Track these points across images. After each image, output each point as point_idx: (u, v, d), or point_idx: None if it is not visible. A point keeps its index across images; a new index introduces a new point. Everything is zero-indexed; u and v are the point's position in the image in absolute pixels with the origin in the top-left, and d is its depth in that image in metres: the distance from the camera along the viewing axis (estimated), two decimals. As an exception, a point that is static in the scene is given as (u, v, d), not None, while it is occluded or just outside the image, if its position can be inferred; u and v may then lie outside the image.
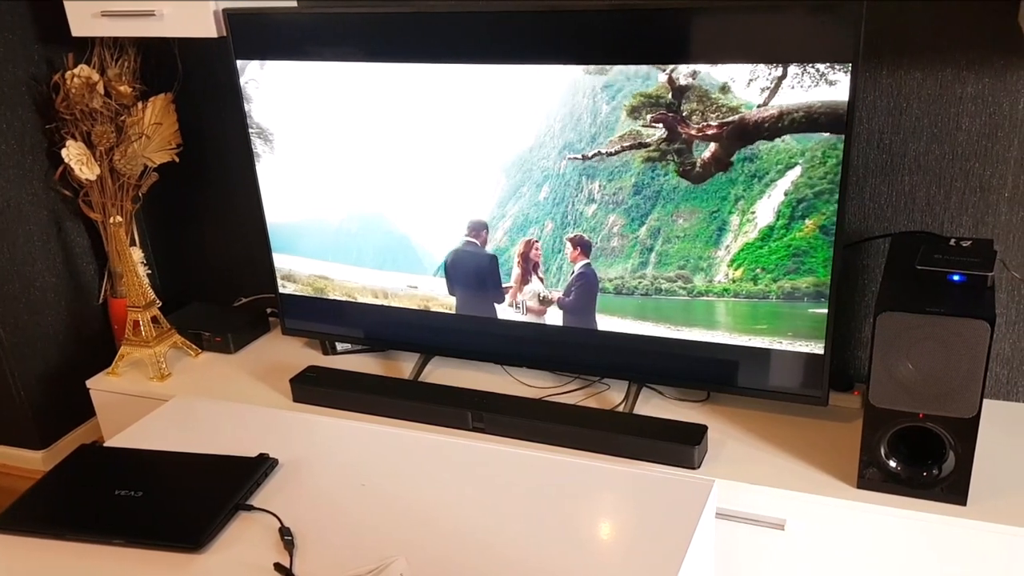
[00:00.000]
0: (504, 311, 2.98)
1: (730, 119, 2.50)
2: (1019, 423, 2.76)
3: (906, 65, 2.66)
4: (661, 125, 2.57)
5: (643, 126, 2.58)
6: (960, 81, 2.63)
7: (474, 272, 2.98)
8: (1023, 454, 2.60)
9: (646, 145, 2.60)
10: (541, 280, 2.89)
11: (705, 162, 2.56)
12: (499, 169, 2.80)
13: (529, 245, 2.88)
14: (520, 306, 2.95)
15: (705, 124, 2.52)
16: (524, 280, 2.93)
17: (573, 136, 2.66)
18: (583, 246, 2.79)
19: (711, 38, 2.42)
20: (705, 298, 2.69)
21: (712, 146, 2.53)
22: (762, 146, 2.48)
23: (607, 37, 2.52)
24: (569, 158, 2.70)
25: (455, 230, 2.96)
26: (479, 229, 2.93)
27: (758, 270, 2.60)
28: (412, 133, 2.86)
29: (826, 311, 2.57)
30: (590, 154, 2.67)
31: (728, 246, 2.61)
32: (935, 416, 2.30)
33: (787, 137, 2.44)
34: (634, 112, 2.58)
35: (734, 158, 2.52)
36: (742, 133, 2.50)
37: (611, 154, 2.64)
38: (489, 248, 2.92)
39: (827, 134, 2.39)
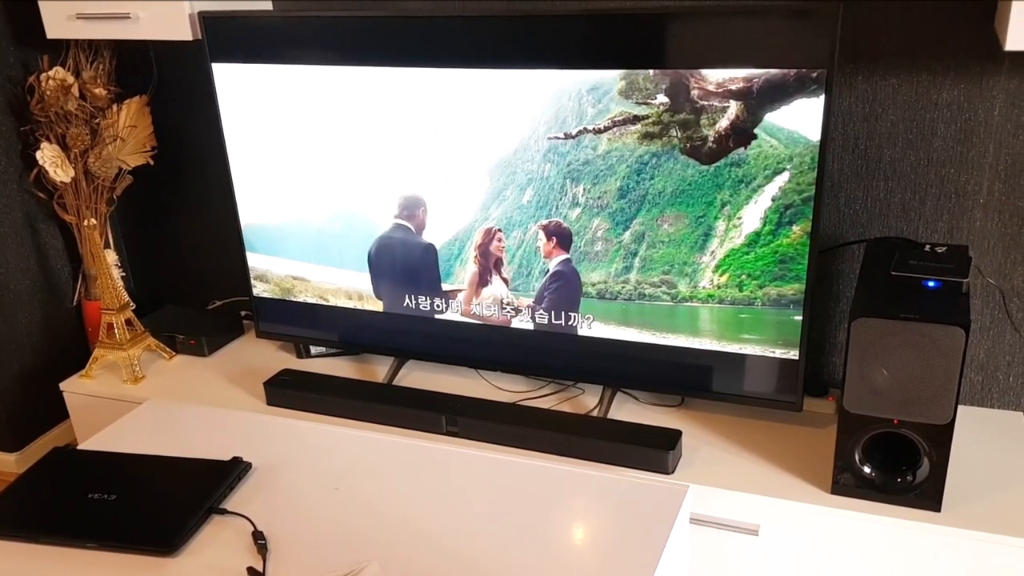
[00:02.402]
0: (451, 318, 2.97)
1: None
2: (994, 429, 2.77)
3: (882, 71, 2.66)
4: (665, 86, 2.48)
5: (638, 102, 2.54)
6: (936, 87, 2.63)
7: (403, 267, 2.96)
8: (997, 460, 2.61)
9: (643, 118, 2.55)
10: (505, 282, 2.86)
11: (721, 134, 2.49)
12: (482, 171, 2.78)
13: (489, 235, 2.81)
14: (479, 314, 2.94)
15: (729, 77, 2.44)
16: (482, 281, 2.89)
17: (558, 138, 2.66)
18: (560, 237, 2.76)
19: (687, 43, 2.42)
20: (689, 304, 2.68)
21: (734, 109, 2.45)
22: (783, 118, 2.43)
23: (583, 42, 2.52)
24: (551, 138, 2.66)
25: (388, 213, 2.95)
26: (413, 208, 2.89)
27: (743, 276, 2.59)
28: (386, 137, 2.85)
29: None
30: (574, 132, 2.63)
31: (714, 251, 2.61)
32: (910, 422, 2.30)
33: (778, 135, 2.43)
34: (629, 77, 2.53)
35: (760, 128, 2.45)
36: (779, 87, 2.42)
37: (599, 131, 2.59)
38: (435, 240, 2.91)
39: (815, 139, 2.39)
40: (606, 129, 2.58)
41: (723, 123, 2.46)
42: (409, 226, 2.88)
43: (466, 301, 2.91)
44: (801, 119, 2.39)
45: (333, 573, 2.07)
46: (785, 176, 2.45)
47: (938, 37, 2.59)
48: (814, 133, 2.39)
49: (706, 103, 2.46)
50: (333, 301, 3.16)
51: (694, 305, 2.67)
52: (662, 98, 2.49)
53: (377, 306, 3.08)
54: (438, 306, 2.97)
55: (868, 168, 2.77)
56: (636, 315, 2.75)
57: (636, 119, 2.54)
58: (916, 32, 2.60)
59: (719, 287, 2.63)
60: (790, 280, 2.54)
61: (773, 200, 2.49)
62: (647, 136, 2.54)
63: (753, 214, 2.52)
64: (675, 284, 2.67)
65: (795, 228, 2.49)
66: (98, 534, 2.20)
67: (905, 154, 2.73)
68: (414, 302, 3.00)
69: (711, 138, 2.49)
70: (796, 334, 2.59)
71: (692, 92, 2.46)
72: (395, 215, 2.91)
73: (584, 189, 2.67)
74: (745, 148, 2.47)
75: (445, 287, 2.96)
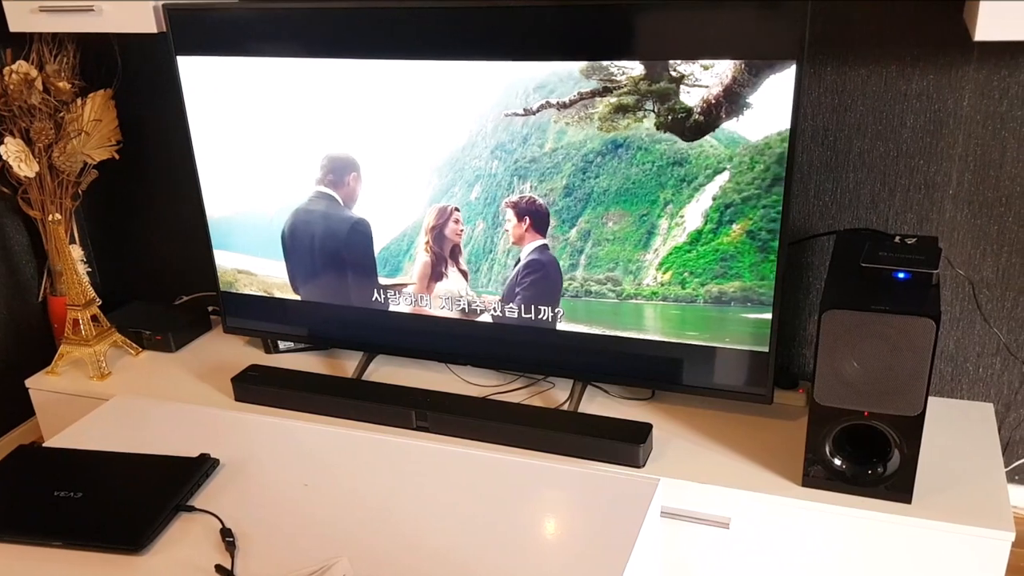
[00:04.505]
0: (421, 312, 2.95)
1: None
2: (963, 420, 2.77)
3: (851, 61, 2.66)
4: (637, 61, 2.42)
5: (600, 80, 2.49)
6: (905, 78, 2.63)
7: (323, 248, 2.93)
8: (967, 452, 2.61)
9: (615, 88, 2.49)
10: (464, 275, 2.83)
11: (710, 103, 2.42)
12: (441, 165, 2.76)
13: (444, 215, 2.71)
14: (430, 315, 2.91)
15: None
16: (435, 274, 2.84)
17: (508, 137, 2.64)
18: (535, 217, 2.70)
19: (655, 35, 2.41)
20: (633, 301, 2.68)
21: (729, 73, 2.39)
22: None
23: (550, 32, 2.51)
24: (508, 115, 2.62)
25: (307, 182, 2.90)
26: (342, 172, 2.80)
27: (686, 274, 2.59)
28: (351, 128, 2.84)
29: (757, 315, 2.57)
30: (535, 107, 2.58)
31: (657, 249, 2.60)
32: (880, 414, 2.30)
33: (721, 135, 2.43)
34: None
35: (754, 97, 2.38)
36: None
37: (564, 105, 2.54)
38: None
39: (755, 140, 2.38)
40: (571, 103, 2.53)
41: (715, 90, 2.43)
42: (335, 195, 2.80)
43: (416, 296, 2.87)
44: (745, 118, 2.39)
45: (302, 569, 2.06)
46: (725, 176, 2.45)
47: (907, 27, 2.59)
48: (753, 134, 2.39)
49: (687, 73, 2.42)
50: (279, 295, 3.14)
51: (638, 302, 2.67)
52: (635, 71, 2.45)
53: (338, 300, 3.07)
54: (377, 299, 2.95)
55: (837, 159, 2.77)
56: (583, 312, 2.74)
57: (607, 90, 2.49)
58: (885, 22, 2.60)
59: (662, 284, 2.62)
60: (731, 278, 2.54)
61: (714, 199, 2.48)
62: (619, 110, 2.50)
63: (695, 213, 2.52)
64: (620, 281, 2.66)
65: (735, 227, 2.48)
66: (64, 532, 2.19)
67: (874, 145, 2.73)
68: (367, 296, 2.98)
69: (697, 109, 2.45)
70: (742, 330, 2.59)
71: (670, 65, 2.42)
72: (316, 181, 2.86)
73: (531, 186, 2.65)
74: (738, 119, 2.43)
75: (384, 280, 2.93)
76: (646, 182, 2.53)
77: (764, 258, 2.49)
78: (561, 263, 2.69)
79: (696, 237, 2.54)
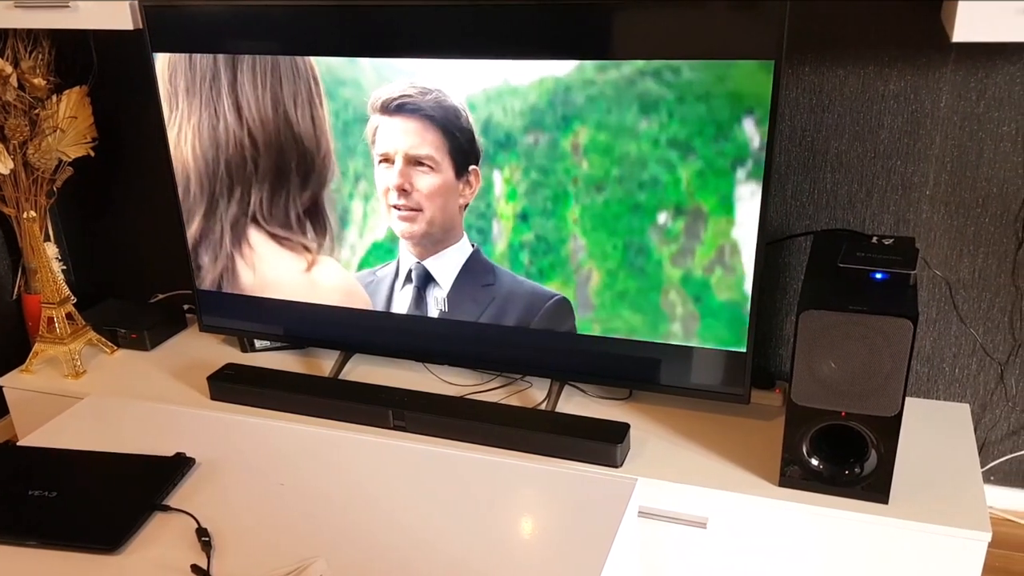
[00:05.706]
0: (396, 311, 2.94)
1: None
2: (940, 421, 2.77)
3: (829, 62, 2.66)
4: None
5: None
6: (883, 78, 2.64)
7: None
8: (944, 452, 2.62)
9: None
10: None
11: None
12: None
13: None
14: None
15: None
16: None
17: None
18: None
19: (633, 33, 2.41)
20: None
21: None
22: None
23: (529, 31, 2.50)
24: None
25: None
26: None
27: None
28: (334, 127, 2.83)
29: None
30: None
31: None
32: (857, 414, 2.30)
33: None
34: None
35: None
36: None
37: None
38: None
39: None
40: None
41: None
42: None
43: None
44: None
45: (279, 569, 2.05)
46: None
47: (885, 28, 2.59)
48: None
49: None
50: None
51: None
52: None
53: (316, 299, 3.06)
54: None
55: (815, 160, 2.77)
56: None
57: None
58: (864, 23, 2.60)
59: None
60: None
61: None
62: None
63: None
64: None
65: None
66: (39, 532, 2.18)
67: (852, 146, 2.73)
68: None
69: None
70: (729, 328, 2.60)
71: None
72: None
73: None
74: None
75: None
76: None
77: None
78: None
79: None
